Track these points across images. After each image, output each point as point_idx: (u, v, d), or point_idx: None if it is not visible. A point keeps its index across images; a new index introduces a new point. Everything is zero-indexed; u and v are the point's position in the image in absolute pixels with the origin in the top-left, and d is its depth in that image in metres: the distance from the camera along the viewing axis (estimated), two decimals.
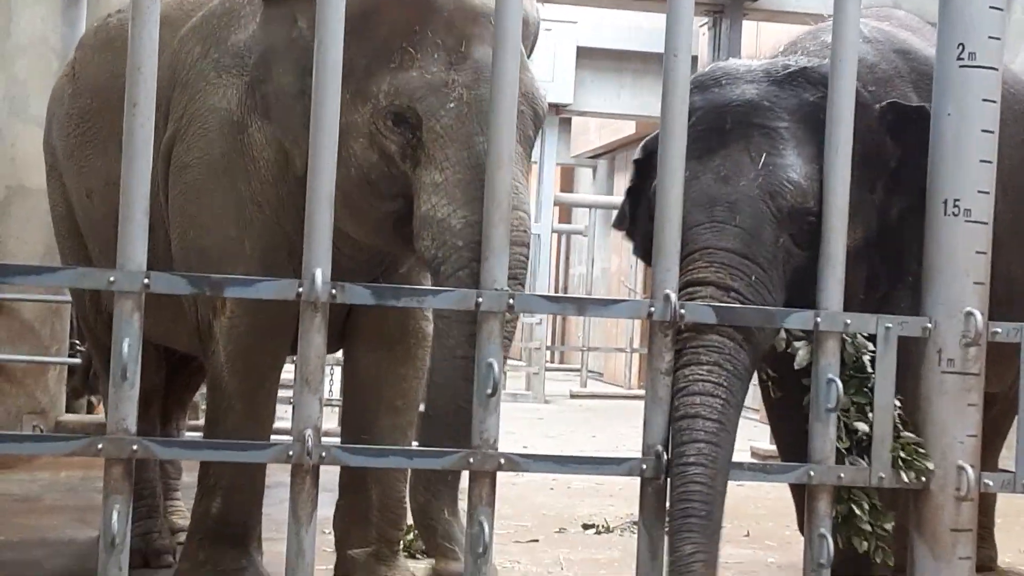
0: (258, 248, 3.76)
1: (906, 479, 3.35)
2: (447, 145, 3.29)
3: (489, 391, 3.09)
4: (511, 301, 3.11)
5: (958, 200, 3.31)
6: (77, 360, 7.37)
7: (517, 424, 10.59)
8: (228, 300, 3.73)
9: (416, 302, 3.03)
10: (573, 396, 15.64)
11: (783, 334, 3.42)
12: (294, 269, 3.49)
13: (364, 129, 3.43)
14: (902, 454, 3.37)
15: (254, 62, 3.66)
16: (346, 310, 3.90)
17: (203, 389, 4.96)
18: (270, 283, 3.16)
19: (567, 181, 22.29)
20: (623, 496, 6.64)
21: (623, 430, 10.65)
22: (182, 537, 4.44)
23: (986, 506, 5.12)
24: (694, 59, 9.42)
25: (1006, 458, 4.27)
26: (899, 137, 3.57)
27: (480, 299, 3.10)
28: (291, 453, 3.08)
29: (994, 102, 3.33)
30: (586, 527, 6.15)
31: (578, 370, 17.62)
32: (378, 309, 3.57)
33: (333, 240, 3.08)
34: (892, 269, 3.63)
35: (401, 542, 4.22)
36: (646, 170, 3.75)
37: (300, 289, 3.08)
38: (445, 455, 3.09)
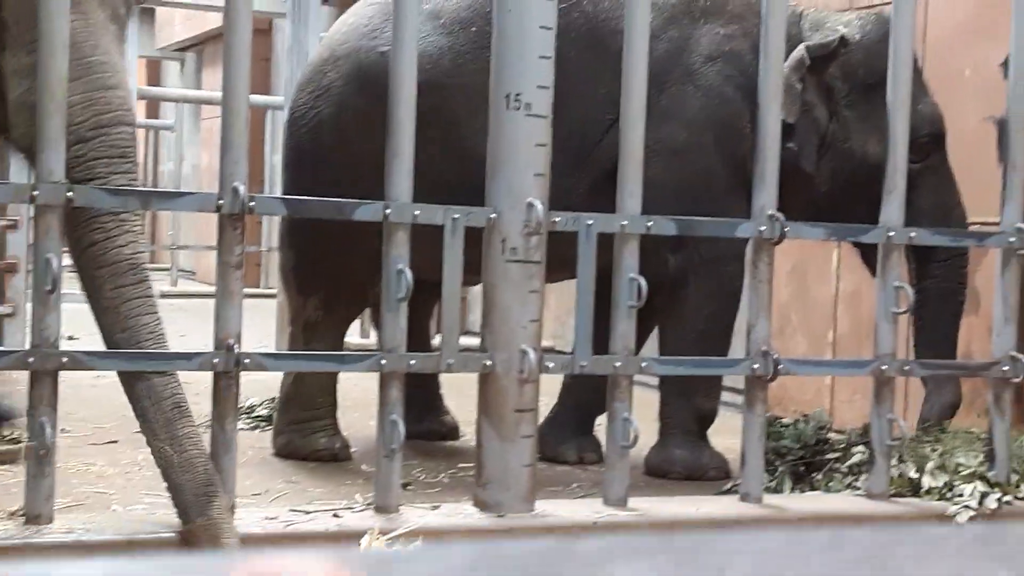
0: None
1: (472, 365, 3.48)
2: (33, 26, 2.98)
3: (48, 287, 2.97)
4: (70, 194, 2.99)
5: (519, 94, 3.43)
6: None
7: None
8: None
9: None
10: (164, 296, 15.23)
11: None
12: None
13: None
14: None
15: None
16: None
17: None
18: None
19: (153, 74, 21.51)
20: (210, 393, 6.57)
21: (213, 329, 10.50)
22: None
23: None
24: None
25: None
26: None
27: (36, 192, 2.96)
28: None
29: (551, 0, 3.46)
30: None
31: (169, 269, 17.21)
32: None
33: None
34: None
35: None
36: None
37: None
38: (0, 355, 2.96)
